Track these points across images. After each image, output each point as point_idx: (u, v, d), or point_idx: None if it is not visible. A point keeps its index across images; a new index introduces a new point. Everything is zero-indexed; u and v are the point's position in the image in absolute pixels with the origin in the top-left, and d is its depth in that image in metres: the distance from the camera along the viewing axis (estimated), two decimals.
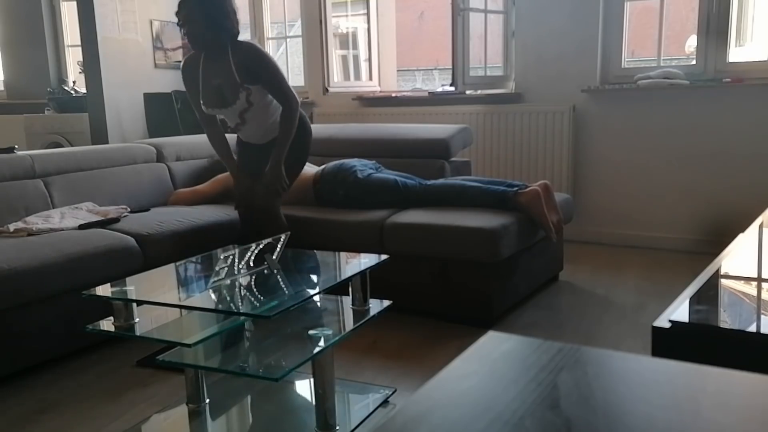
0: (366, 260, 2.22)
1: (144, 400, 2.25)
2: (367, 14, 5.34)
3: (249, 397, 2.22)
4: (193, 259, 2.38)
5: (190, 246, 2.96)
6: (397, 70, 5.71)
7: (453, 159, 3.70)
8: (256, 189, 2.98)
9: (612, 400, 0.58)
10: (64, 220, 2.98)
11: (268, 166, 2.94)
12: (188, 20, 2.87)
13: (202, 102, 2.97)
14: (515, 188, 3.05)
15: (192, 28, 2.86)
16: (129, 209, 3.26)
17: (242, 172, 3.04)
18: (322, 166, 3.44)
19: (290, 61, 5.98)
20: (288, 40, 6.14)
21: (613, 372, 0.64)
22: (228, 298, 1.86)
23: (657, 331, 0.87)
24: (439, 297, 2.92)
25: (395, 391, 2.21)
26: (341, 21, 5.93)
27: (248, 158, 3.11)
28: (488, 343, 0.70)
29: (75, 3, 4.97)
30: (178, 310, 1.96)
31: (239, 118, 2.96)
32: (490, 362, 0.65)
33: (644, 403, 0.56)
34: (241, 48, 2.92)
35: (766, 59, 3.82)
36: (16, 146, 3.41)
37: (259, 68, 2.90)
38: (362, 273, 2.10)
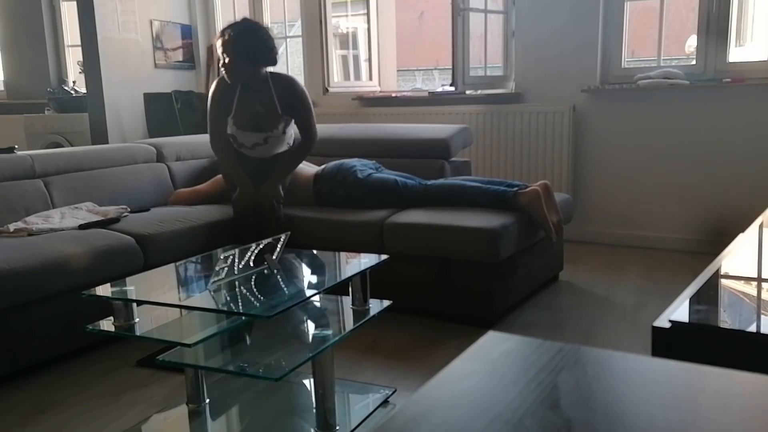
0: (366, 260, 2.22)
1: (144, 400, 2.25)
2: (367, 14, 5.34)
3: (249, 397, 2.22)
4: (193, 259, 2.38)
5: (190, 246, 2.97)
6: (397, 70, 5.71)
7: (453, 159, 3.70)
8: (263, 192, 3.09)
9: (612, 400, 0.58)
10: (64, 220, 2.98)
11: (268, 181, 3.05)
12: (230, 56, 3.05)
13: (232, 122, 3.09)
14: (515, 188, 3.05)
15: (232, 65, 3.05)
16: (129, 209, 3.26)
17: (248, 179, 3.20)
18: (322, 166, 3.44)
19: (290, 61, 5.98)
20: (288, 40, 6.13)
21: (613, 372, 0.64)
22: (228, 298, 1.86)
23: (657, 331, 0.87)
24: (439, 297, 2.92)
25: (395, 391, 2.21)
26: (341, 21, 5.93)
27: (247, 170, 3.24)
28: (488, 343, 0.70)
29: (75, 3, 4.97)
30: (178, 310, 1.96)
31: (263, 141, 3.11)
32: (490, 362, 0.65)
33: (644, 403, 0.56)
34: (283, 81, 3.17)
35: (766, 59, 3.82)
36: (16, 146, 3.41)
37: (297, 104, 3.16)
38: (362, 273, 2.10)
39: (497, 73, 4.54)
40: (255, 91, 3.14)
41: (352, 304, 2.14)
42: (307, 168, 3.53)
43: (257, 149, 3.26)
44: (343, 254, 2.40)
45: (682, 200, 4.05)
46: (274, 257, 2.10)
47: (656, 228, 4.15)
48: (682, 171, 4.02)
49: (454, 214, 2.94)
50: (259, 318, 1.74)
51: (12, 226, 2.84)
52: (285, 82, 3.20)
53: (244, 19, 3.19)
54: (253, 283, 1.99)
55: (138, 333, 1.87)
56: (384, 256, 2.26)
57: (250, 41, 3.07)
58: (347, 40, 6.04)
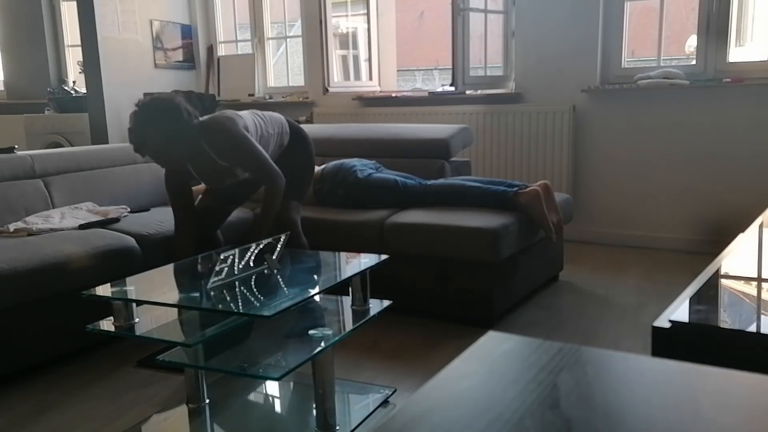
0: (366, 260, 2.22)
1: (144, 400, 2.25)
2: (367, 14, 5.34)
3: (249, 397, 2.22)
4: (193, 259, 2.37)
5: None
6: (397, 70, 5.71)
7: (453, 159, 3.70)
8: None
9: (612, 400, 0.58)
10: (64, 220, 2.98)
11: (253, 233, 2.69)
12: (155, 158, 2.60)
13: (212, 194, 2.85)
14: (515, 188, 3.05)
15: (161, 161, 2.62)
16: (129, 209, 3.26)
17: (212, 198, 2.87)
18: (322, 166, 3.44)
19: (290, 61, 5.98)
20: (288, 40, 6.14)
21: (613, 372, 0.64)
22: (228, 298, 1.86)
23: (657, 331, 0.87)
24: (439, 297, 2.92)
25: (395, 391, 2.21)
26: (341, 21, 5.93)
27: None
28: (488, 343, 0.70)
29: (75, 3, 4.97)
30: (178, 310, 1.96)
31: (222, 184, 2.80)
32: (490, 362, 0.65)
33: (644, 403, 0.56)
34: (210, 135, 2.61)
35: (766, 59, 3.82)
36: (16, 146, 3.41)
37: (228, 153, 2.64)
38: (362, 273, 2.10)
39: (497, 73, 4.54)
40: (200, 159, 2.67)
41: (352, 304, 2.14)
42: None
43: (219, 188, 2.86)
44: (343, 254, 2.40)
45: (682, 200, 4.05)
46: (274, 257, 2.10)
47: (656, 228, 4.15)
48: (682, 171, 4.02)
49: (454, 214, 2.94)
50: (259, 318, 1.74)
51: (12, 226, 2.84)
52: (213, 136, 2.61)
53: (136, 117, 2.60)
54: (253, 283, 1.99)
55: (138, 333, 1.87)
56: (384, 256, 2.26)
57: (157, 131, 2.50)
58: (347, 40, 6.04)
